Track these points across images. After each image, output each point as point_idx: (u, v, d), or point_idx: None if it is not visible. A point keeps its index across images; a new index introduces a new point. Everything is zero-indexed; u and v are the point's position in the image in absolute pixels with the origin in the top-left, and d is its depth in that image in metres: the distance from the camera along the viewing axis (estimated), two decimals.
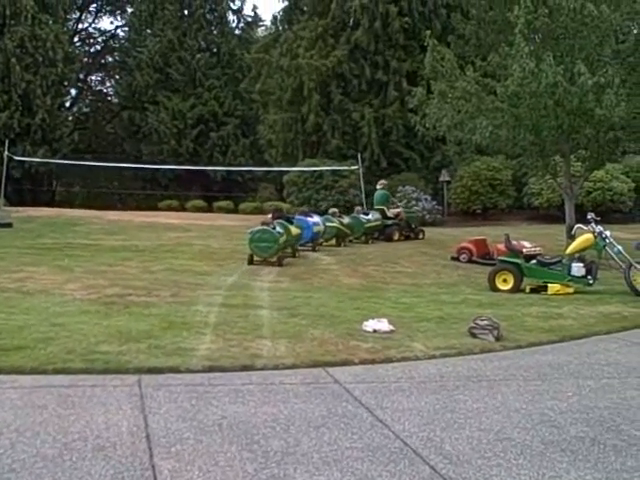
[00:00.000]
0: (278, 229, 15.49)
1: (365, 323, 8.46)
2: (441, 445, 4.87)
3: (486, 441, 4.94)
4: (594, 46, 16.00)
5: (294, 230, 16.61)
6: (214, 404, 5.65)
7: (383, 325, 8.37)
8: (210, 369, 6.64)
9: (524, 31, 14.85)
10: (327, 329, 8.37)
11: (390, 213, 21.83)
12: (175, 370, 6.54)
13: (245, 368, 6.72)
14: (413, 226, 22.56)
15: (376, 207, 22.09)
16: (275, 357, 7.05)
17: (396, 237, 21.51)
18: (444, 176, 31.65)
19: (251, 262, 15.20)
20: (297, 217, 18.47)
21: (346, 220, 20.46)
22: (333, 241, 19.82)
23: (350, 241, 20.50)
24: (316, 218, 19.22)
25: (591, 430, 5.21)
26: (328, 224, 19.54)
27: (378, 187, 22.83)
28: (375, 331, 8.24)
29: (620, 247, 12.81)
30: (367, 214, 21.54)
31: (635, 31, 16.38)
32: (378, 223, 21.34)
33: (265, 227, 15.46)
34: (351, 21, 33.24)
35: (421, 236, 22.25)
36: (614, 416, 5.56)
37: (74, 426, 5.03)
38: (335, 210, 21.41)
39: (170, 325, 8.28)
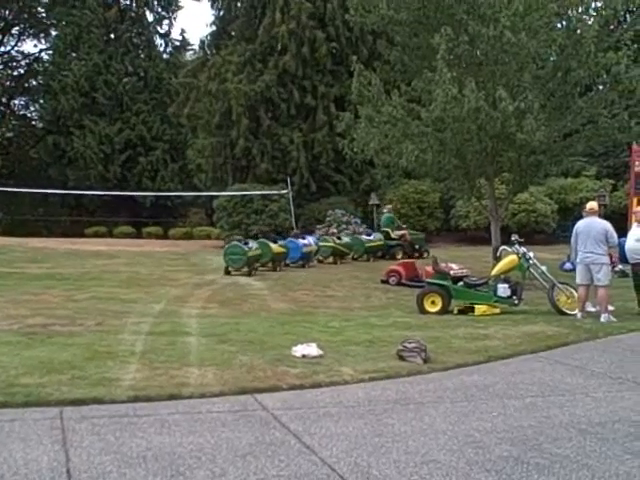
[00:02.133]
0: (250, 245, 18.48)
1: (294, 348, 8.43)
2: (368, 470, 4.87)
3: (412, 464, 4.97)
4: (514, 72, 16.46)
5: (276, 248, 19.70)
6: (139, 435, 5.53)
7: (312, 350, 8.35)
8: (135, 399, 6.49)
9: (446, 57, 15.18)
10: (256, 355, 8.30)
11: (394, 235, 23.55)
12: (99, 401, 6.37)
13: (172, 397, 6.60)
14: (417, 246, 24.15)
15: (382, 229, 24.10)
16: (202, 385, 6.94)
17: (399, 256, 22.92)
18: (373, 199, 31.95)
19: (227, 272, 18.44)
20: (288, 239, 21.21)
21: (345, 240, 22.74)
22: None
23: (354, 258, 23.06)
24: (308, 239, 21.62)
25: (515, 449, 5.30)
26: (322, 244, 21.95)
27: (385, 211, 25.06)
28: (304, 356, 8.21)
29: (544, 268, 13.13)
30: (369, 234, 23.81)
31: (553, 58, 16.89)
32: (380, 243, 23.31)
33: (236, 242, 18.72)
34: (279, 46, 33.41)
35: (425, 255, 23.31)
36: (537, 435, 5.66)
37: None
38: (334, 230, 24.37)
39: (94, 355, 8.08)
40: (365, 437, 5.59)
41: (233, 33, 36.36)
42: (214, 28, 37.26)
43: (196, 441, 5.42)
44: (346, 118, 18.42)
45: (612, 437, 5.62)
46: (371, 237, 23.23)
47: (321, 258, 21.97)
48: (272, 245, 19.97)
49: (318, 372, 7.55)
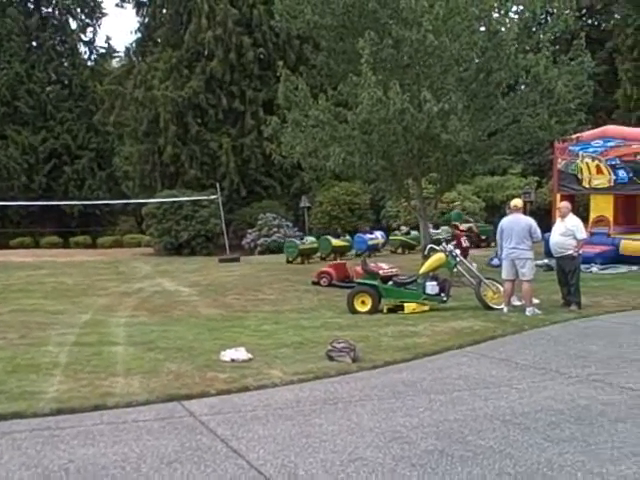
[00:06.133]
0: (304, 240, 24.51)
1: (222, 353, 8.37)
2: (295, 471, 4.86)
3: (339, 463, 4.98)
4: (438, 74, 16.69)
5: (337, 242, 24.43)
6: (61, 448, 5.41)
7: (241, 354, 8.30)
8: (59, 412, 6.35)
9: (370, 61, 15.29)
10: (184, 362, 8.22)
11: (462, 227, 24.66)
12: (20, 415, 6.20)
13: (96, 408, 6.47)
14: (484, 237, 26.43)
15: (452, 223, 25.12)
16: (128, 394, 6.83)
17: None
18: (304, 202, 32.04)
19: (288, 262, 23.23)
20: (357, 234, 25.83)
21: (412, 234, 25.99)
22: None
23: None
24: (376, 234, 25.92)
25: (440, 443, 5.37)
26: (392, 237, 26.62)
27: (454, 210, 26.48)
28: (233, 360, 8.16)
29: (474, 265, 13.35)
30: (437, 228, 25.64)
31: (475, 60, 17.18)
32: (445, 236, 24.28)
33: (292, 239, 25.21)
34: (205, 52, 33.24)
35: (493, 244, 24.07)
36: (462, 428, 5.74)
37: None
38: (404, 227, 27.50)
39: (16, 368, 7.87)
40: (293, 438, 5.59)
41: (159, 40, 36.07)
42: (139, 35, 36.88)
43: (121, 451, 5.34)
44: (273, 123, 18.37)
45: (534, 426, 5.74)
46: (438, 231, 24.98)
47: (382, 249, 25.88)
48: (332, 240, 24.39)
49: (247, 376, 7.51)
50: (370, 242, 24.95)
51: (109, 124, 37.71)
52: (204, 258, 27.69)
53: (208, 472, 4.88)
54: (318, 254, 24.58)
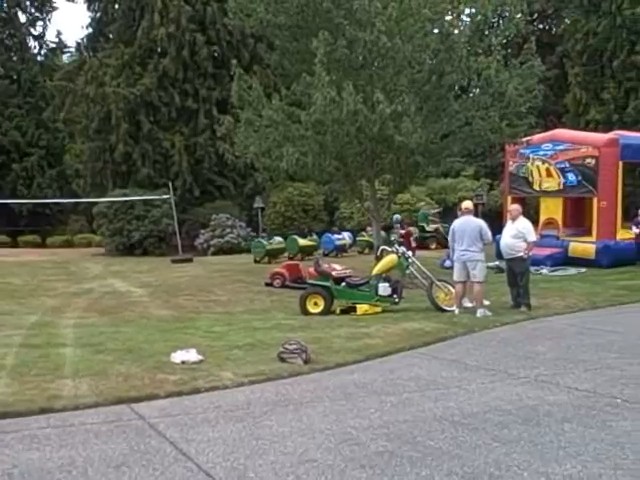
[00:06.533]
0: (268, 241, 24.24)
1: (173, 354, 8.29)
2: (244, 473, 4.84)
3: (289, 464, 4.97)
4: (391, 76, 16.78)
5: (302, 242, 24.59)
6: (5, 453, 5.31)
7: (191, 355, 8.23)
8: (4, 415, 6.22)
9: (324, 61, 15.30)
10: (134, 364, 8.11)
11: (429, 228, 26.26)
12: None
13: (43, 411, 6.36)
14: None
15: (419, 224, 26.71)
16: (76, 397, 6.72)
17: (433, 246, 26.15)
18: (258, 203, 31.91)
19: (256, 261, 23.22)
20: (325, 235, 26.24)
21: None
22: None
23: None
24: (344, 234, 26.29)
25: (390, 444, 5.39)
26: (359, 238, 26.38)
27: (421, 211, 27.98)
28: (183, 362, 8.08)
29: (423, 267, 13.45)
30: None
31: (428, 62, 17.29)
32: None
33: (259, 239, 24.91)
34: (158, 49, 32.89)
35: None
36: (412, 429, 5.78)
37: None
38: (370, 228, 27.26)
39: None
40: (243, 440, 5.56)
41: (111, 35, 35.54)
42: (91, 30, 36.29)
43: (67, 455, 5.26)
44: (226, 122, 18.27)
45: (482, 427, 5.81)
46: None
47: (360, 249, 25.97)
48: (300, 240, 24.61)
49: (197, 378, 7.45)
50: (338, 242, 25.43)
51: (59, 121, 37.09)
52: (156, 259, 27.40)
53: (156, 475, 4.83)
54: (286, 254, 24.68)
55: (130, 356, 8.59)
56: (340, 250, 25.40)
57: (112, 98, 31.76)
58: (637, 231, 17.49)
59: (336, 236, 25.94)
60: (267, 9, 16.91)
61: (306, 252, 24.84)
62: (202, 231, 29.91)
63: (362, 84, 16.59)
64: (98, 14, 36.09)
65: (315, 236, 26.17)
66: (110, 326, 11.36)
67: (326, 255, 24.40)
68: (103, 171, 33.77)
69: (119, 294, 16.01)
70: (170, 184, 27.99)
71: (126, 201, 29.28)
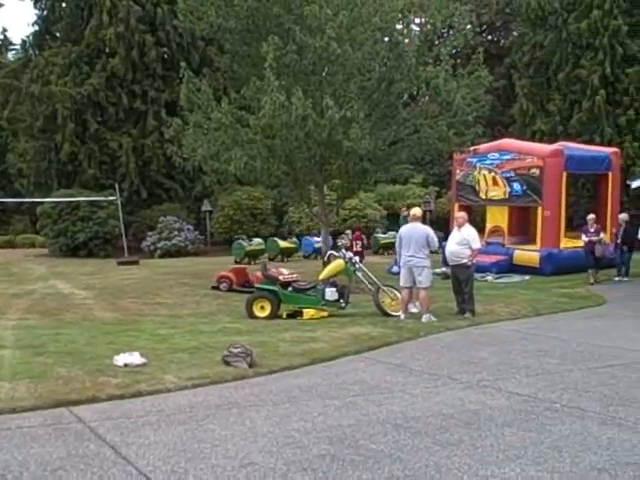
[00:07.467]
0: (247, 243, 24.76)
1: (116, 357, 8.16)
2: (185, 477, 4.80)
3: (230, 468, 4.94)
4: (341, 82, 16.85)
5: (283, 244, 25.72)
6: None
7: (135, 358, 8.12)
8: None
9: (274, 66, 15.29)
10: (75, 366, 7.97)
11: None
12: None
13: None
14: None
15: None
16: (13, 400, 6.57)
17: None
18: (206, 206, 31.76)
19: (236, 262, 23.06)
20: (305, 237, 27.22)
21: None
22: None
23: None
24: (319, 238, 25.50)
25: (333, 447, 5.40)
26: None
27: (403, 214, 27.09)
28: (126, 365, 7.97)
29: (370, 273, 13.51)
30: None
31: (378, 70, 17.41)
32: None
33: (240, 241, 25.04)
34: (107, 49, 32.48)
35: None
36: (355, 432, 5.79)
37: None
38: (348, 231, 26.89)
39: None
40: (184, 444, 5.50)
41: (58, 34, 34.99)
42: (37, 28, 35.60)
43: (3, 458, 5.15)
44: (174, 124, 18.09)
45: (425, 431, 5.85)
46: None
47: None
48: (280, 242, 25.67)
49: (140, 381, 7.36)
50: (317, 245, 25.22)
51: (3, 119, 36.30)
52: (102, 261, 27.01)
53: (95, 479, 4.74)
54: (266, 255, 25.32)
55: (71, 359, 8.44)
56: (319, 252, 25.40)
57: (58, 97, 31.26)
58: (586, 239, 17.84)
59: (315, 239, 25.95)
60: (218, 12, 16.82)
61: (286, 254, 25.79)
62: (149, 233, 29.59)
63: (312, 90, 16.61)
64: (45, 12, 35.43)
65: (295, 238, 27.08)
66: (52, 328, 11.13)
67: (306, 257, 25.53)
68: (48, 171, 33.20)
69: (62, 296, 15.71)
70: (117, 185, 27.63)
71: (71, 202, 28.78)
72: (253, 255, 24.69)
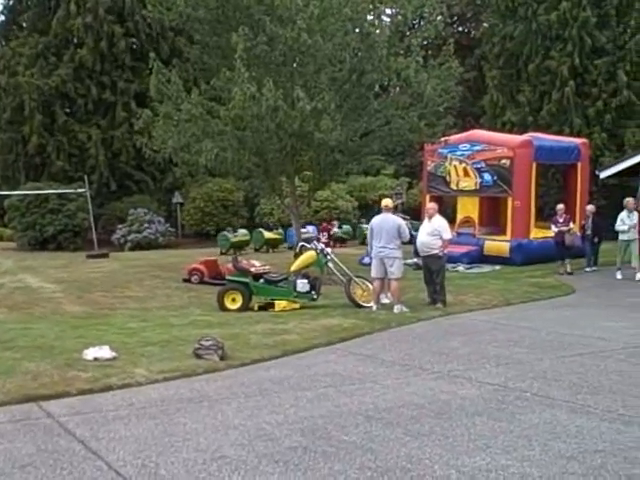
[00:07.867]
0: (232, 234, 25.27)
1: (85, 351, 8.08)
2: (156, 471, 4.76)
3: (202, 461, 4.91)
4: (312, 74, 16.81)
5: (268, 235, 25.99)
6: None
7: (104, 352, 8.04)
8: None
9: (244, 57, 15.20)
10: (44, 361, 7.87)
11: None
12: None
13: None
14: None
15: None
16: None
17: None
18: (177, 198, 31.61)
19: (222, 253, 23.29)
20: (290, 228, 25.58)
21: (344, 228, 28.55)
22: None
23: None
24: (307, 228, 24.52)
25: (304, 439, 5.39)
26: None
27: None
28: (96, 359, 7.89)
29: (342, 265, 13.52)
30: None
31: (349, 61, 17.39)
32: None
33: (224, 232, 25.46)
34: (75, 39, 32.11)
35: None
36: (327, 424, 5.79)
37: None
38: (336, 222, 28.66)
39: None
40: (155, 438, 5.46)
41: (25, 24, 34.55)
42: (3, 18, 35.16)
43: None
44: (144, 116, 17.96)
45: (396, 421, 5.87)
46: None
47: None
48: (265, 233, 25.89)
49: (110, 375, 7.28)
50: (303, 236, 25.56)
51: None
52: (71, 254, 26.75)
53: (64, 475, 4.70)
54: (251, 246, 25.60)
55: (40, 353, 8.34)
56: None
57: (25, 88, 30.91)
58: (556, 230, 17.98)
59: (302, 230, 26.06)
60: (187, 2, 16.69)
61: (271, 245, 26.10)
62: (119, 226, 29.38)
63: (282, 81, 16.56)
64: (11, 1, 35.01)
65: (280, 230, 27.28)
66: (19, 322, 11.01)
67: (291, 248, 24.53)
68: (15, 163, 32.88)
69: (30, 290, 15.54)
70: (86, 178, 27.34)
71: (39, 194, 28.46)
72: (238, 246, 24.85)
